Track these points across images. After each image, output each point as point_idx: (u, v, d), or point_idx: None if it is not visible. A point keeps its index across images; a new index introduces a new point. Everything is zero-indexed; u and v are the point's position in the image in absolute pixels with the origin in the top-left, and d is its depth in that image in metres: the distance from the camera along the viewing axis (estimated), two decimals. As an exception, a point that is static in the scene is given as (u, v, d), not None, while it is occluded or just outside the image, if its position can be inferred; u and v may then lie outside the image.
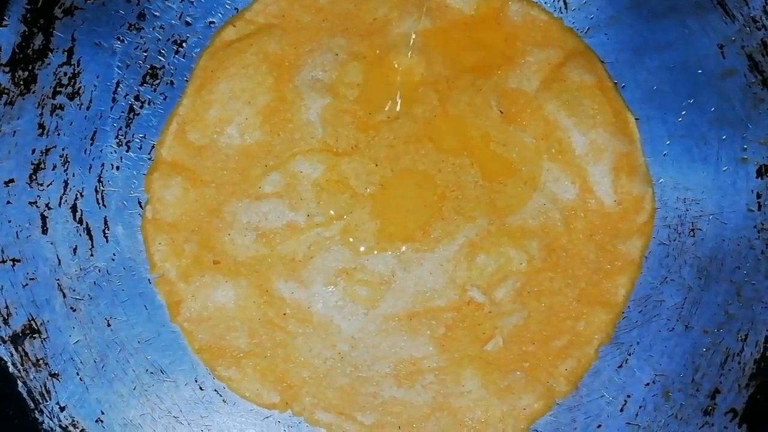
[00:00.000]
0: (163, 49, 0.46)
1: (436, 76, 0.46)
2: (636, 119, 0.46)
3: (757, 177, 0.45)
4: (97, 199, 0.45)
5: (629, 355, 0.45)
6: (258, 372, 0.44)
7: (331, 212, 0.45)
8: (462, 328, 0.44)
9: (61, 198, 0.44)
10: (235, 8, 0.47)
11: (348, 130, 0.45)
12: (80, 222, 0.45)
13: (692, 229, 0.45)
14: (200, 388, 0.45)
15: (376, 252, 0.44)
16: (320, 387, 0.44)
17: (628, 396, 0.45)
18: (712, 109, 0.45)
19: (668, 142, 0.46)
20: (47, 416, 0.43)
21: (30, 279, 0.44)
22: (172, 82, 0.46)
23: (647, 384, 0.45)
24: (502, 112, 0.46)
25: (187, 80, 0.46)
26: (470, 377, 0.44)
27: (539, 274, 0.45)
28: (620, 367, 0.45)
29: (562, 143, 0.46)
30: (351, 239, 0.44)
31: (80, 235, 0.45)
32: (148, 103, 0.46)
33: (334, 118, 0.45)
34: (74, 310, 0.44)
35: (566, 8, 0.47)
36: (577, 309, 0.45)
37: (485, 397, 0.44)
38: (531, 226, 0.45)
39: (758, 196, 0.45)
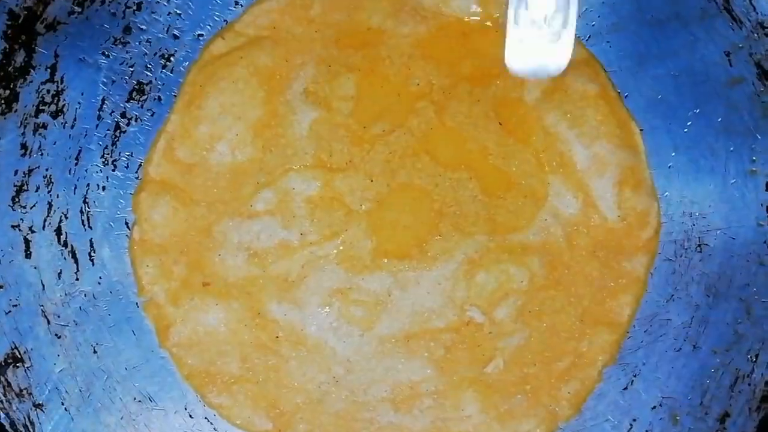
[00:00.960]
0: (150, 64, 0.45)
1: (432, 87, 0.45)
2: (640, 130, 0.45)
3: (766, 190, 0.44)
4: (83, 221, 0.44)
5: (635, 376, 0.44)
6: (250, 398, 0.43)
7: (326, 230, 0.43)
8: (461, 349, 0.43)
9: (44, 220, 0.43)
10: (225, 20, 0.45)
11: (342, 145, 0.44)
12: (65, 245, 0.43)
13: (699, 245, 0.44)
14: (190, 416, 0.43)
15: (371, 271, 0.43)
16: (315, 413, 0.43)
17: (634, 420, 0.43)
18: (719, 119, 0.44)
19: (673, 154, 0.45)
20: (32, 448, 0.42)
21: (13, 305, 0.42)
22: (159, 98, 0.45)
23: (654, 407, 0.43)
24: (501, 124, 0.44)
25: (175, 95, 0.45)
26: (470, 401, 0.43)
27: (541, 292, 0.44)
28: (625, 389, 0.44)
29: (563, 156, 0.44)
30: (346, 258, 0.43)
31: (65, 258, 0.43)
32: (135, 120, 0.44)
33: (328, 133, 0.44)
34: (59, 337, 0.43)
35: (566, 15, 0.46)
36: (580, 329, 0.44)
37: (485, 422, 0.43)
38: (532, 243, 0.44)
39: (768, 209, 0.44)
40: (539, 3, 0.42)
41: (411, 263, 0.43)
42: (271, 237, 0.43)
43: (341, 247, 0.43)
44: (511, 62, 0.43)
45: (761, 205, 0.44)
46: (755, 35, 0.44)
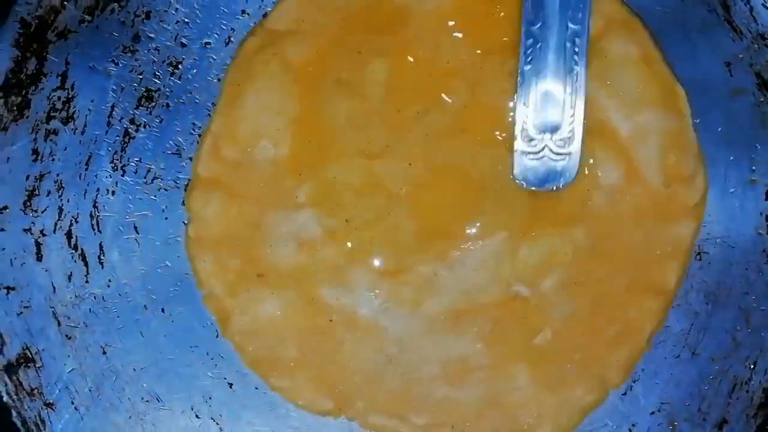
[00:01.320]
0: (159, 72, 0.45)
1: (463, 63, 0.44)
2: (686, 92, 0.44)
3: (765, 199, 0.44)
4: (92, 225, 0.45)
5: (634, 382, 0.44)
6: (310, 380, 0.44)
7: (369, 216, 0.44)
8: (509, 323, 0.43)
9: (55, 224, 0.44)
10: (231, 29, 0.46)
11: (378, 131, 0.44)
12: (75, 248, 0.44)
13: (699, 253, 0.44)
14: (197, 416, 0.44)
15: (417, 252, 0.44)
16: (372, 391, 0.44)
17: (633, 425, 0.44)
18: (720, 129, 0.44)
19: (674, 163, 0.45)
20: (42, 446, 0.43)
21: (24, 307, 0.43)
22: (167, 105, 0.45)
23: (652, 413, 0.44)
24: (537, 96, 0.44)
25: (183, 102, 0.45)
26: (521, 372, 0.43)
27: (586, 262, 0.43)
28: (625, 394, 0.44)
29: (603, 126, 0.43)
30: (391, 241, 0.44)
31: (75, 261, 0.44)
32: (144, 127, 0.45)
33: (364, 120, 0.44)
34: (69, 338, 0.44)
35: (569, 24, 0.46)
36: (626, 297, 0.43)
37: (537, 392, 0.43)
38: (575, 213, 0.43)
39: (767, 218, 0.44)
40: (545, 117, 0.42)
41: (455, 242, 0.44)
42: (317, 226, 0.44)
43: (385, 231, 0.44)
44: (519, 175, 0.43)
45: (760, 214, 0.44)
46: (756, 46, 0.44)
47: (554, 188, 0.43)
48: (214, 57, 0.45)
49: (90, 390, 0.44)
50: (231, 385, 0.44)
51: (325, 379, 0.44)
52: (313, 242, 0.44)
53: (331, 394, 0.44)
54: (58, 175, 0.44)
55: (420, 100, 0.44)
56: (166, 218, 0.45)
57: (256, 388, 0.45)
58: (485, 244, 0.43)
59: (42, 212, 0.44)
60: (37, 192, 0.44)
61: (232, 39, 0.46)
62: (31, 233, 0.44)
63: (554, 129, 0.42)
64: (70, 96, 0.44)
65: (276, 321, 0.44)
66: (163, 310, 0.45)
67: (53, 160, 0.44)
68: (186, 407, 0.44)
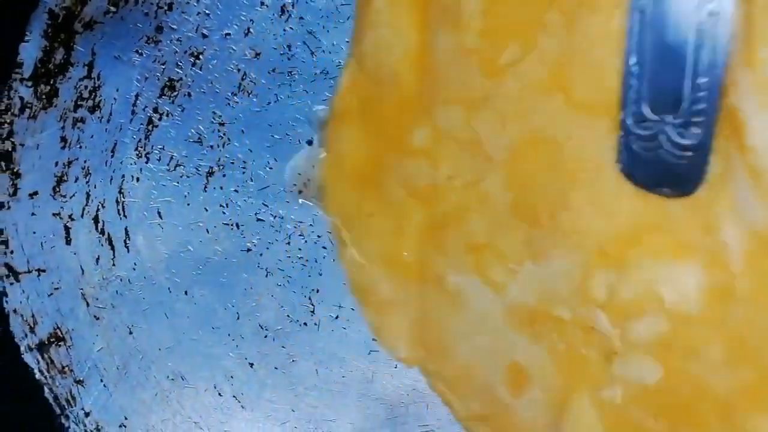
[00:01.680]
0: (181, 62, 0.47)
1: None
2: None
3: None
4: (118, 210, 0.46)
5: (641, 363, 0.45)
6: (396, 325, 0.43)
7: (468, 176, 0.37)
8: (584, 355, 0.34)
9: (83, 209, 0.46)
10: (251, 20, 0.47)
11: (476, 77, 0.36)
12: (102, 233, 0.46)
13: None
14: (219, 395, 0.46)
15: (508, 229, 0.36)
16: (446, 352, 0.41)
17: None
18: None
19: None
20: (73, 422, 0.45)
21: (55, 288, 0.45)
22: (189, 94, 0.47)
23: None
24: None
25: (204, 92, 0.47)
26: (579, 412, 0.35)
27: (694, 326, 0.30)
28: (631, 375, 0.45)
29: (737, 127, 0.28)
30: (485, 209, 0.37)
31: (102, 245, 0.46)
32: (167, 115, 0.47)
33: (464, 62, 0.36)
34: (97, 319, 0.45)
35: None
36: (736, 404, 0.29)
37: None
38: (694, 243, 0.30)
39: None
40: (662, 89, 0.29)
41: (541, 232, 0.34)
42: (423, 176, 0.40)
43: (481, 198, 0.37)
44: (624, 165, 0.31)
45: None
46: None
47: (669, 194, 0.30)
48: (234, 48, 0.47)
49: (118, 368, 0.45)
50: (252, 364, 0.46)
51: (408, 329, 0.43)
52: (418, 193, 0.41)
53: (410, 345, 0.43)
54: (85, 161, 0.46)
55: (516, 39, 0.34)
56: (188, 204, 0.46)
57: (276, 368, 0.46)
58: (570, 249, 0.33)
59: (70, 198, 0.46)
60: (65, 178, 0.45)
61: (251, 30, 0.47)
62: (60, 218, 0.45)
63: (675, 106, 0.29)
64: (96, 85, 0.46)
65: (377, 261, 0.43)
66: (186, 293, 0.46)
67: (80, 147, 0.46)
68: (209, 386, 0.46)
